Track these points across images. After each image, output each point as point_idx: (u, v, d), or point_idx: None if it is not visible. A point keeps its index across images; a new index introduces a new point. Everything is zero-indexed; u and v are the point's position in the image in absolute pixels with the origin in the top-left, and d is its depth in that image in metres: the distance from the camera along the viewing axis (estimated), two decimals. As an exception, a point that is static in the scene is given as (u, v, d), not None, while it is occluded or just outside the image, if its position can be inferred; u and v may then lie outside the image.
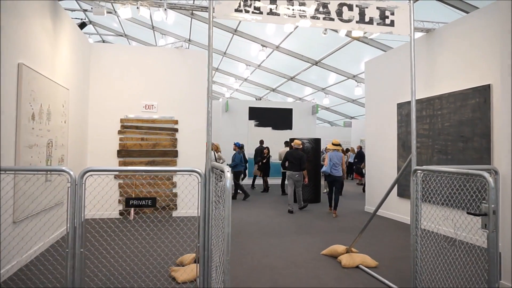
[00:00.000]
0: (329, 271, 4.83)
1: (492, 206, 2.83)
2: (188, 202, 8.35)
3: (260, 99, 24.85)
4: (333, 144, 8.92)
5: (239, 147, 11.47)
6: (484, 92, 6.06)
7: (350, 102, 21.82)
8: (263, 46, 16.76)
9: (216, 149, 12.00)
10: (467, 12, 7.93)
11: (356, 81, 18.39)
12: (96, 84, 7.98)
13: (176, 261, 4.99)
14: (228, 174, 2.53)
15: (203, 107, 8.55)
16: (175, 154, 8.27)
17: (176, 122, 8.32)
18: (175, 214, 8.30)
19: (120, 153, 7.92)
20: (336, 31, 12.22)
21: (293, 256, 5.43)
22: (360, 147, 18.27)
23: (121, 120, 8.01)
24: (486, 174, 2.91)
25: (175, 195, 8.27)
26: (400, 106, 8.04)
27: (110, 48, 9.05)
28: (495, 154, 5.90)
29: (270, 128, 15.61)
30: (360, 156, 15.69)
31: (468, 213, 3.08)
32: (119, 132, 7.98)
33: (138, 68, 8.23)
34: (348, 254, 5.17)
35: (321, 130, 21.53)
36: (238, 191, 11.33)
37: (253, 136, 14.98)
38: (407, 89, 7.91)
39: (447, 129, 6.74)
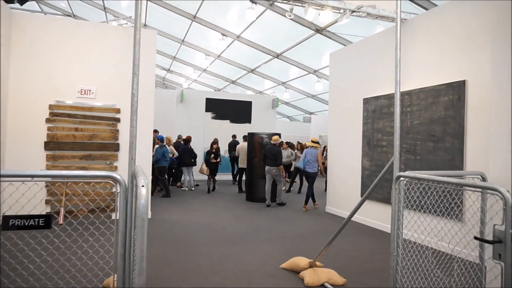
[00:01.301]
0: (289, 292, 4.00)
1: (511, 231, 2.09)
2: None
3: (219, 91, 23.72)
4: (312, 141, 9.10)
5: (161, 140, 10.28)
6: (458, 88, 5.49)
7: (310, 98, 21.33)
8: (223, 35, 15.70)
9: (168, 142, 10.88)
10: (426, 9, 7.41)
11: (317, 76, 17.85)
12: (18, 62, 6.59)
13: (103, 283, 3.95)
14: (143, 191, 1.59)
15: (151, 95, 7.42)
16: (116, 147, 7.09)
17: (118, 110, 7.13)
18: (115, 216, 7.13)
19: (48, 146, 6.62)
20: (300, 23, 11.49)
21: (248, 271, 4.55)
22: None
23: (50, 107, 6.69)
24: (502, 189, 2.16)
25: (116, 194, 7.10)
26: (366, 101, 7.39)
27: (38, 19, 7.40)
28: (468, 156, 5.35)
29: (228, 121, 14.64)
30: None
31: (476, 238, 2.34)
32: (48, 121, 6.67)
33: (73, 45, 6.92)
34: (312, 270, 4.38)
35: (281, 125, 20.87)
36: (160, 186, 10.62)
37: (209, 129, 13.93)
38: (374, 83, 7.27)
39: (417, 128, 6.15)
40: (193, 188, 11.60)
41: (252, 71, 19.59)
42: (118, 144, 7.12)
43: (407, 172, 3.06)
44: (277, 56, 16.67)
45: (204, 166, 10.84)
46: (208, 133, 13.62)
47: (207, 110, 14.45)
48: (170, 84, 27.00)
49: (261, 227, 6.89)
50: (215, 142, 11.25)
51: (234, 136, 13.17)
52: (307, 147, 9.19)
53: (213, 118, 14.50)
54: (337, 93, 8.50)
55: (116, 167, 7.10)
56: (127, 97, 7.37)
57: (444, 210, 4.65)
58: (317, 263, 4.54)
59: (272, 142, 9.35)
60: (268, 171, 9.17)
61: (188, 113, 14.31)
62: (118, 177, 2.34)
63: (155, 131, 12.30)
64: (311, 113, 23.63)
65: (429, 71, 6.05)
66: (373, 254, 5.39)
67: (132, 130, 2.60)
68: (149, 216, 7.40)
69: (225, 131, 13.41)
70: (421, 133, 6.07)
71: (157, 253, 5.13)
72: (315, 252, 5.30)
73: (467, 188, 2.84)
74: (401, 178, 3.11)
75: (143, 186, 1.62)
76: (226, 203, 9.45)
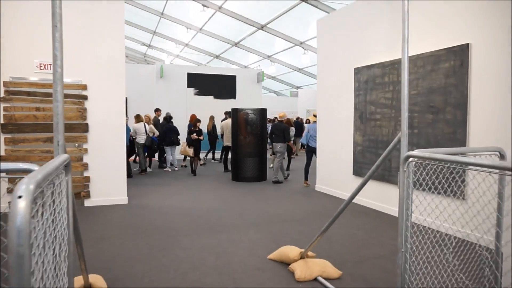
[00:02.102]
0: (278, 290, 3.47)
1: None
2: (105, 188, 6.58)
3: (202, 65, 22.69)
4: (314, 116, 8.80)
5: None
6: (461, 53, 4.86)
7: (296, 71, 20.57)
8: (204, 6, 14.68)
9: (147, 120, 10.14)
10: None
11: (303, 48, 17.06)
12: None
13: None
14: (20, 205, 0.91)
15: (121, 70, 6.63)
16: (84, 128, 6.34)
17: (84, 87, 6.34)
18: (88, 203, 6.48)
19: (5, 128, 5.84)
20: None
21: (232, 264, 4.00)
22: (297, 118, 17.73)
23: (5, 84, 5.85)
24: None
25: (88, 179, 6.43)
26: (358, 71, 6.73)
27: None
28: (471, 128, 4.80)
29: (212, 97, 13.83)
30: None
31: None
32: (3, 100, 5.85)
33: (30, 13, 6.02)
34: (303, 261, 3.84)
35: (267, 100, 20.14)
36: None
37: (192, 106, 13.14)
38: (366, 51, 6.60)
39: (414, 98, 5.55)
40: (176, 169, 10.95)
41: (236, 44, 18.64)
42: (87, 125, 6.37)
43: (417, 151, 2.47)
44: (262, 27, 15.75)
45: (188, 148, 9.94)
46: (191, 110, 12.84)
47: (189, 85, 13.60)
48: (152, 60, 25.78)
49: (247, 211, 6.33)
50: (199, 120, 10.34)
51: (227, 114, 11.87)
52: (308, 122, 9.04)
53: (196, 94, 13.67)
54: (326, 63, 7.81)
55: (86, 150, 6.38)
56: (95, 72, 6.58)
57: (456, 190, 4.13)
58: (309, 253, 4.00)
59: (279, 118, 9.26)
60: (274, 147, 9.17)
61: (169, 89, 13.44)
62: (32, 167, 1.63)
63: (158, 110, 11.54)
64: (298, 88, 22.91)
65: (428, 35, 5.39)
66: (369, 238, 4.89)
67: (57, 105, 1.91)
68: (125, 202, 6.76)
69: (209, 108, 12.64)
70: (418, 104, 5.49)
71: (130, 246, 4.52)
72: (306, 238, 4.77)
73: (494, 171, 2.26)
74: (411, 159, 2.52)
75: (20, 197, 0.92)
76: (210, 184, 8.85)
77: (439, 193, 2.91)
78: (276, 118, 10.31)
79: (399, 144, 2.69)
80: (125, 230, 5.16)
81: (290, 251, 4.06)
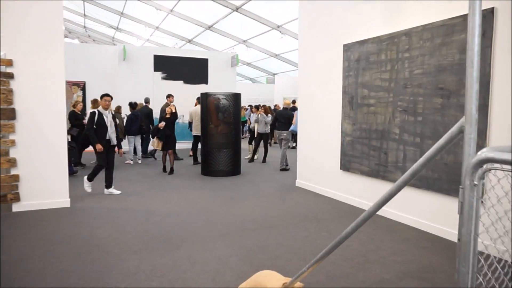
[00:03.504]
0: None
1: None
2: (41, 189, 5.21)
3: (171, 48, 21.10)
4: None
5: None
6: (483, 20, 3.75)
7: (273, 57, 19.33)
8: (172, -18, 13.16)
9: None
10: None
11: (280, 32, 15.82)
12: None
13: None
14: None
15: (59, 44, 5.22)
16: (10, 114, 4.91)
17: (9, 63, 4.89)
18: (17, 208, 5.10)
19: None
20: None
21: (188, 303, 2.81)
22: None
23: None
24: None
25: (16, 178, 5.04)
26: (347, 48, 5.59)
27: None
28: (493, 113, 3.76)
29: (181, 81, 12.40)
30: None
31: None
32: None
33: None
34: (286, 299, 2.69)
35: (242, 87, 18.85)
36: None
37: (159, 91, 11.70)
38: (358, 24, 5.45)
39: (418, 79, 4.47)
40: (139, 161, 9.58)
41: (209, 27, 17.17)
42: (13, 110, 4.95)
43: (495, 151, 1.34)
44: (237, 9, 14.38)
45: (156, 140, 8.30)
46: (158, 96, 11.41)
47: (156, 69, 12.10)
48: (121, 44, 23.86)
49: (216, 215, 5.13)
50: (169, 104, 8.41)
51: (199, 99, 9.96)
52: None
53: (163, 78, 12.20)
54: (309, 40, 6.62)
55: (12, 142, 4.96)
56: (22, 45, 5.07)
57: None
58: (298, 283, 2.86)
59: (284, 106, 9.10)
60: (279, 135, 8.69)
61: (133, 72, 11.91)
62: None
63: (170, 96, 9.69)
64: (274, 75, 21.71)
65: (437, 0, 4.30)
66: (366, 252, 3.81)
67: None
68: (67, 205, 5.41)
69: (178, 94, 11.23)
70: (424, 86, 4.41)
71: (54, 273, 3.24)
72: (289, 253, 3.64)
73: None
74: (486, 166, 1.38)
75: None
76: (176, 180, 7.57)
77: None
78: (276, 105, 10.42)
79: (459, 137, 1.55)
80: (54, 247, 3.86)
81: (269, 280, 2.90)
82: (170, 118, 7.98)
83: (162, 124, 7.90)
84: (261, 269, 3.31)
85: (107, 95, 6.09)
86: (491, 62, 3.73)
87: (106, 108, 6.01)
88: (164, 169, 8.28)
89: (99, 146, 5.85)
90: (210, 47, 20.07)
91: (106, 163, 6.02)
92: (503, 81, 3.67)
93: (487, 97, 3.76)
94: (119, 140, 6.45)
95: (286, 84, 18.30)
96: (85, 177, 6.08)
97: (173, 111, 8.05)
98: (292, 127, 8.66)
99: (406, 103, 4.63)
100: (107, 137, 5.98)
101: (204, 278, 3.20)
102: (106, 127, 5.95)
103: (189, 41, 19.74)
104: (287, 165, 8.77)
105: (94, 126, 5.89)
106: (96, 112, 5.97)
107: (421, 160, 1.69)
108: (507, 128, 3.63)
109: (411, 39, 4.56)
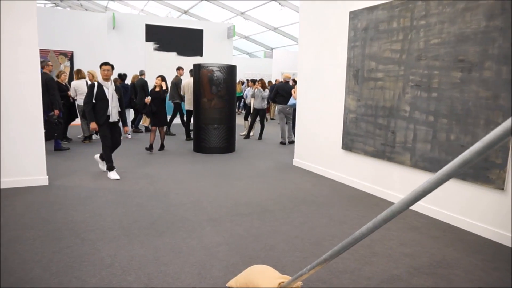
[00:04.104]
0: None
1: None
2: (14, 165, 4.73)
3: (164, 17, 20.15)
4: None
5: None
6: (516, -19, 3.22)
7: (272, 31, 18.49)
8: None
9: (91, 78, 8.09)
10: None
11: (280, 4, 14.99)
12: None
13: None
14: None
15: (29, 8, 4.61)
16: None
17: (-30, 21, 4.28)
18: (-12, 185, 4.62)
19: None
20: None
21: (167, 304, 2.38)
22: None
23: None
24: None
25: (-14, 153, 4.52)
26: (354, 15, 4.99)
27: None
28: (521, 91, 3.26)
29: (175, 53, 11.69)
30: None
31: None
32: None
33: None
34: (282, 302, 2.27)
35: (240, 61, 18.11)
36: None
37: (152, 63, 11.02)
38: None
39: (435, 50, 3.93)
40: (128, 136, 9.06)
41: (205, -4, 16.24)
42: (-21, 77, 4.38)
43: None
44: (234, -24, 13.50)
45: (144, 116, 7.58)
46: (150, 68, 10.75)
47: (148, 39, 11.36)
48: (110, 12, 22.76)
49: (206, 196, 4.68)
50: (163, 78, 7.45)
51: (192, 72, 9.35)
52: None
53: (156, 49, 11.49)
54: (312, 8, 5.99)
55: (-21, 113, 4.42)
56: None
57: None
58: (299, 283, 2.44)
59: (285, 79, 8.76)
60: (282, 109, 8.44)
61: (123, 42, 11.18)
62: None
63: (179, 68, 9.28)
64: (272, 49, 20.88)
65: (462, -41, 3.70)
66: (371, 241, 3.39)
67: None
68: (45, 183, 4.93)
69: (171, 65, 10.57)
70: (441, 58, 3.88)
71: (18, 261, 2.79)
72: (286, 244, 3.21)
73: None
74: None
75: None
76: (165, 156, 7.09)
77: None
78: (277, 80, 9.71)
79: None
80: (21, 232, 3.41)
81: (263, 278, 2.47)
82: (160, 92, 7.30)
83: (148, 99, 7.24)
84: (253, 262, 2.90)
85: (107, 63, 5.24)
86: (524, 29, 3.19)
87: (106, 79, 5.18)
88: (149, 148, 7.35)
89: (93, 125, 5.13)
90: (207, 18, 19.15)
91: (110, 143, 5.29)
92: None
93: (517, 70, 3.25)
94: (123, 115, 5.56)
95: (284, 59, 17.57)
96: (97, 156, 5.71)
97: (163, 87, 7.37)
98: (292, 101, 8.15)
99: (419, 77, 4.11)
100: (108, 113, 5.17)
101: (188, 272, 2.76)
102: (107, 101, 5.15)
103: (185, 12, 18.79)
104: (286, 142, 8.69)
105: (94, 101, 5.11)
106: (96, 84, 5.16)
107: (469, 152, 1.20)
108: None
109: (428, 5, 3.98)
